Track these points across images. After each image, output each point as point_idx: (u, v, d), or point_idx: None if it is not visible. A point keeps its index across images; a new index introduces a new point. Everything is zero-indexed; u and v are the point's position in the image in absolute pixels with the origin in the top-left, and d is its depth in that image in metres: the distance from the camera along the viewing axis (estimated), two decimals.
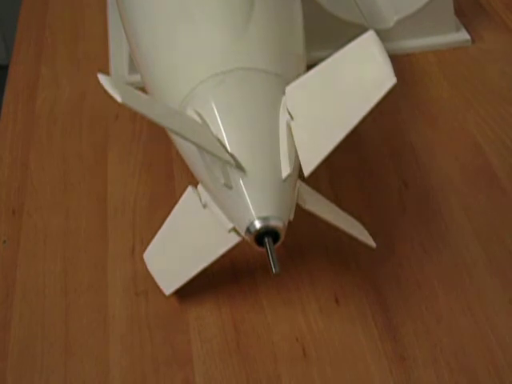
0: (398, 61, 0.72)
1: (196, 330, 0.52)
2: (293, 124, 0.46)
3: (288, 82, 0.49)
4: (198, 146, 0.44)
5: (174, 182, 0.62)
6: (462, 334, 0.51)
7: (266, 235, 0.44)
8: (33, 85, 0.72)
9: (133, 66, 0.67)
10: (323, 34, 0.69)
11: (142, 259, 0.54)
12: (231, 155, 0.44)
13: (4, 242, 0.58)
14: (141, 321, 0.52)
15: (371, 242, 0.53)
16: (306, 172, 0.43)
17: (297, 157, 0.46)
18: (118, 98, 0.39)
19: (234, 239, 0.48)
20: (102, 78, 0.41)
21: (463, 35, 0.75)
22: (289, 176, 0.45)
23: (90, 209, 0.60)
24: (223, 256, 0.54)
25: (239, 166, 0.44)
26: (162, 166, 0.63)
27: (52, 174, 0.63)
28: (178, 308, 0.53)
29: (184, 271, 0.51)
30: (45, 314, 0.53)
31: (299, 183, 0.51)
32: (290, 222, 0.46)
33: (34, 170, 0.64)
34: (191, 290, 0.53)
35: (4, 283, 0.55)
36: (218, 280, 0.54)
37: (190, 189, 0.51)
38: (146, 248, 0.54)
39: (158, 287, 0.53)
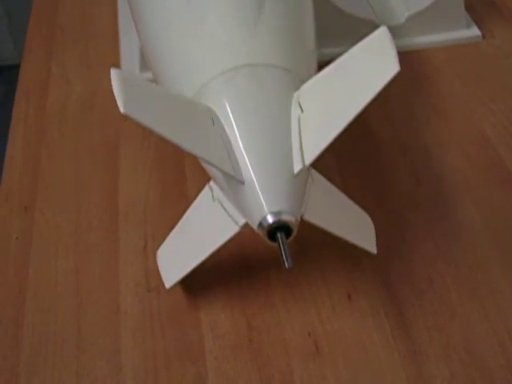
0: (409, 57, 0.72)
1: (208, 326, 0.52)
2: (302, 116, 0.46)
3: (299, 78, 0.49)
4: (201, 159, 0.44)
5: (186, 179, 0.62)
6: (474, 330, 0.51)
7: (278, 230, 0.44)
8: (44, 83, 0.72)
9: (144, 64, 0.67)
10: (335, 31, 0.69)
11: (153, 255, 0.55)
12: (234, 167, 0.44)
13: (16, 238, 0.58)
14: (153, 317, 0.52)
15: (373, 248, 0.53)
16: (308, 161, 0.44)
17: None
18: (121, 108, 0.40)
19: (233, 230, 0.48)
20: (113, 75, 0.42)
21: (474, 31, 0.74)
22: (301, 171, 0.45)
23: (101, 206, 0.60)
24: (235, 252, 0.54)
25: (239, 179, 0.44)
26: (174, 163, 0.63)
27: (64, 171, 0.63)
28: (190, 304, 0.53)
29: (184, 264, 0.51)
30: (57, 311, 0.53)
31: (314, 175, 0.51)
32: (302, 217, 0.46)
33: (46, 167, 0.64)
34: (203, 286, 0.54)
35: (16, 280, 0.55)
36: (229, 276, 0.54)
37: (206, 186, 0.51)
38: (157, 244, 0.54)
39: None
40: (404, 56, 0.72)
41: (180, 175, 0.62)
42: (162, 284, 0.53)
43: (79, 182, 0.62)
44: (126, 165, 0.63)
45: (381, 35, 0.45)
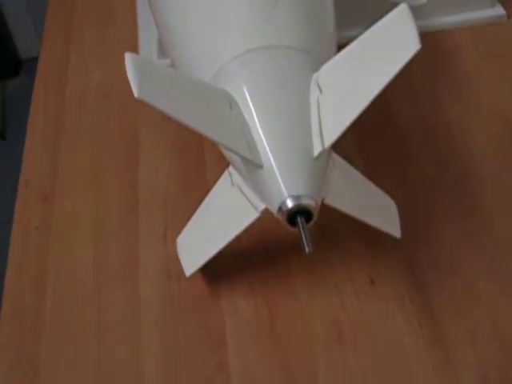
0: (432, 37, 0.71)
1: (229, 314, 0.51)
2: (320, 98, 0.45)
3: (318, 59, 0.48)
4: (219, 143, 0.43)
5: (206, 166, 0.61)
6: (500, 315, 0.50)
7: (298, 214, 0.43)
8: (63, 71, 0.72)
9: (162, 50, 0.67)
10: (356, 13, 0.67)
11: (174, 243, 0.54)
12: (252, 151, 0.43)
13: (36, 227, 0.58)
14: (173, 305, 0.52)
15: (397, 232, 0.52)
16: (327, 143, 0.42)
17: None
18: (136, 93, 0.39)
19: (252, 216, 0.47)
20: (128, 59, 0.41)
21: (498, 10, 0.72)
22: (321, 153, 0.44)
23: (121, 194, 0.60)
24: (256, 238, 0.53)
25: (258, 163, 0.43)
26: (193, 150, 0.62)
27: (83, 159, 0.63)
28: (211, 291, 0.52)
29: (204, 252, 0.50)
30: (77, 299, 0.53)
31: (335, 158, 0.50)
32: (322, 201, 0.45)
33: (65, 156, 0.63)
34: (224, 273, 0.53)
35: (36, 269, 0.55)
36: (251, 263, 0.54)
37: (225, 172, 0.50)
38: (178, 231, 0.54)
39: None
40: (427, 36, 0.71)
41: (200, 162, 0.61)
42: (183, 271, 0.52)
43: (98, 170, 0.62)
44: (145, 152, 0.63)
45: (401, 13, 0.43)
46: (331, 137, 0.43)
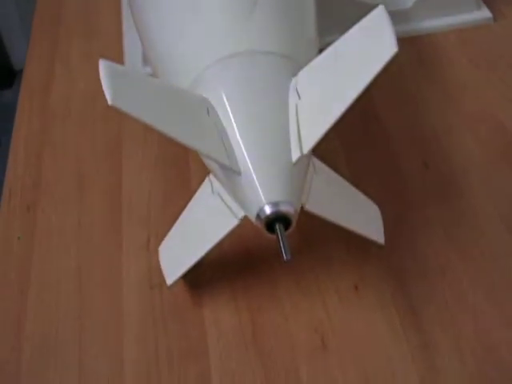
0: (418, 42, 0.70)
1: (212, 323, 0.50)
2: (299, 103, 0.44)
3: (298, 64, 0.47)
4: (195, 149, 0.43)
5: (190, 175, 0.60)
6: (486, 321, 0.49)
7: (276, 221, 0.42)
8: (48, 81, 0.72)
9: (146, 60, 0.66)
10: (341, 17, 0.67)
11: (156, 252, 0.53)
12: (230, 157, 0.43)
13: (18, 238, 0.57)
14: (155, 314, 0.51)
15: (380, 238, 0.52)
16: (306, 148, 0.42)
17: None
18: (109, 100, 0.39)
19: (231, 223, 0.47)
20: (102, 66, 0.41)
21: (485, 13, 0.72)
22: (299, 159, 0.43)
23: (104, 203, 0.59)
24: (239, 246, 0.53)
25: (235, 169, 0.43)
26: (178, 159, 0.62)
27: (66, 169, 0.62)
28: (194, 300, 0.52)
29: (184, 260, 0.50)
30: (59, 310, 0.52)
31: (317, 163, 0.50)
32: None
33: (49, 165, 0.63)
34: (207, 282, 0.52)
35: (18, 279, 0.55)
36: (233, 270, 0.53)
37: (206, 179, 0.50)
38: (160, 241, 0.53)
39: None
40: (413, 41, 0.71)
41: (184, 171, 0.61)
42: (165, 281, 0.51)
43: (82, 180, 0.61)
44: (128, 162, 0.62)
45: (378, 15, 0.43)
46: (309, 143, 0.42)
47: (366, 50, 0.42)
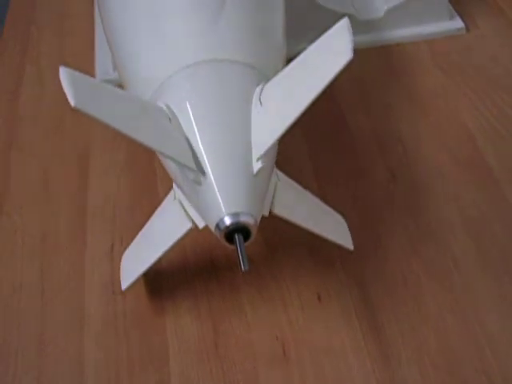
0: (390, 51, 0.71)
1: (173, 330, 0.50)
2: (259, 112, 0.44)
3: (264, 74, 0.47)
4: (159, 152, 0.42)
5: (157, 181, 0.60)
6: (449, 332, 0.49)
7: (236, 232, 0.42)
8: (17, 83, 0.71)
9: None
10: (314, 26, 0.67)
11: (120, 258, 0.53)
12: (195, 160, 0.43)
13: None
14: (117, 320, 0.51)
15: (349, 244, 0.52)
16: (256, 156, 0.42)
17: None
18: (72, 101, 0.38)
19: (185, 226, 0.47)
20: (62, 72, 0.40)
21: (457, 23, 0.72)
22: (261, 170, 0.43)
23: (70, 208, 0.59)
24: (203, 254, 0.53)
25: (201, 171, 0.42)
26: (145, 165, 0.62)
27: (33, 173, 0.62)
28: (156, 307, 0.52)
29: (140, 265, 0.50)
30: (20, 314, 0.52)
31: (281, 176, 0.49)
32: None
33: (15, 169, 0.63)
34: (169, 290, 0.52)
35: None
36: (196, 278, 0.53)
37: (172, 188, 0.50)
38: (125, 247, 0.53)
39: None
40: (385, 50, 0.71)
41: (151, 178, 0.61)
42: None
43: (48, 184, 0.61)
44: (96, 167, 0.62)
45: (340, 26, 0.43)
46: (261, 149, 0.42)
47: (323, 58, 0.42)
